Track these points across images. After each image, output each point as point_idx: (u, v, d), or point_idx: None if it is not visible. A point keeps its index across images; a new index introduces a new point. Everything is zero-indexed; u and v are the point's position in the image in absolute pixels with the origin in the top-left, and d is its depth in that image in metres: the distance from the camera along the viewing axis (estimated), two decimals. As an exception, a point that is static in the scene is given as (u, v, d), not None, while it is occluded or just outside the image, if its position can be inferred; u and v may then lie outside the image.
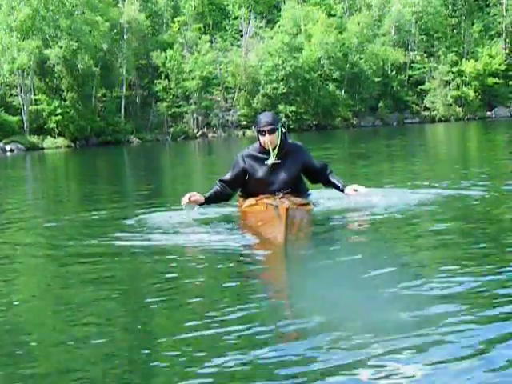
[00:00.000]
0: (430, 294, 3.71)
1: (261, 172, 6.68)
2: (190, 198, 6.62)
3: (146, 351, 3.10)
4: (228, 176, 6.82)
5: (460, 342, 2.93)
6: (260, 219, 6.02)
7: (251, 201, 6.57)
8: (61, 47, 49.53)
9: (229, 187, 6.80)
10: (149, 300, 3.93)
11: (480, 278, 3.93)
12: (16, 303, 4.12)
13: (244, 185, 6.84)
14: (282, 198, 6.27)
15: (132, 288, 4.39)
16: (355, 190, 6.77)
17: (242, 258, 5.07)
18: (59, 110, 49.46)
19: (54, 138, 48.94)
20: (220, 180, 6.88)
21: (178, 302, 3.88)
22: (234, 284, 4.20)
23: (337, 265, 4.70)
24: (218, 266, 4.73)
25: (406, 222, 6.15)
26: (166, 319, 3.63)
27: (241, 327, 3.28)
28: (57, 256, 5.60)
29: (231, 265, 4.77)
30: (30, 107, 49.65)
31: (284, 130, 6.75)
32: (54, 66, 50.18)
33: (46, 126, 49.36)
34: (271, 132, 6.56)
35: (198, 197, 6.68)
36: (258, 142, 6.76)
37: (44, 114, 49.60)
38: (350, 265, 4.63)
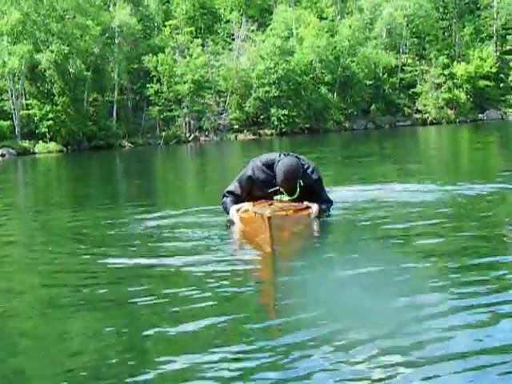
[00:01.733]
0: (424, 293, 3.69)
1: (264, 192, 6.61)
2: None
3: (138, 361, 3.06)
4: (238, 191, 6.75)
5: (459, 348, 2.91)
6: (251, 227, 6.01)
7: (249, 205, 6.52)
8: (52, 51, 49.38)
9: (240, 200, 6.74)
10: (139, 307, 3.89)
11: (486, 287, 3.89)
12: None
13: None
14: (271, 204, 6.25)
15: (122, 297, 4.34)
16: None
17: (232, 266, 5.02)
18: (50, 115, 49.29)
19: (46, 142, 48.75)
20: (230, 193, 6.79)
21: (169, 309, 3.84)
22: (223, 291, 4.17)
23: (324, 270, 4.67)
24: (209, 274, 4.69)
25: (401, 223, 6.16)
26: (158, 328, 3.59)
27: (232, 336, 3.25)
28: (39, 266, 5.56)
29: (221, 272, 4.73)
30: (22, 112, 49.46)
31: (305, 167, 6.63)
32: (45, 70, 49.97)
33: (37, 131, 49.18)
34: (288, 191, 6.49)
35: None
36: (271, 158, 6.67)
37: (35, 118, 49.43)
38: (339, 270, 4.61)
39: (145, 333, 3.39)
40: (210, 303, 3.84)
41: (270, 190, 6.53)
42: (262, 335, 3.22)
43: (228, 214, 6.71)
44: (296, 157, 6.58)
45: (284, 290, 4.22)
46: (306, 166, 6.62)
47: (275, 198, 6.51)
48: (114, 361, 3.03)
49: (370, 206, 7.24)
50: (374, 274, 4.32)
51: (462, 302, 3.52)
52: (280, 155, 6.59)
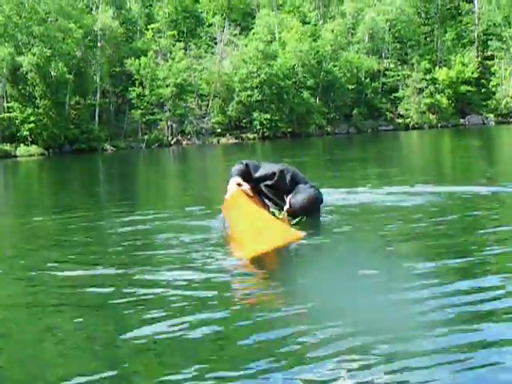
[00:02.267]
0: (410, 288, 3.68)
1: (268, 193, 6.58)
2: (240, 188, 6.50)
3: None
4: (255, 173, 6.63)
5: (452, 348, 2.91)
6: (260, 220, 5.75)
7: (249, 190, 6.46)
8: (34, 54, 49.10)
9: (247, 179, 6.61)
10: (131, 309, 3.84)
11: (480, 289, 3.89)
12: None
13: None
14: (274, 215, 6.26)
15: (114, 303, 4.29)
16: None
17: (216, 274, 4.97)
18: (32, 118, 49.00)
19: (27, 145, 48.46)
20: (246, 166, 6.65)
21: (154, 304, 3.80)
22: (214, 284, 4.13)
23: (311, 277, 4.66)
24: (193, 282, 4.64)
25: (391, 226, 6.14)
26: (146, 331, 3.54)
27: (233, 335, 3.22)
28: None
29: (205, 280, 4.69)
30: (3, 115, 49.13)
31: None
32: (26, 73, 49.67)
33: (18, 134, 48.86)
34: (291, 214, 6.40)
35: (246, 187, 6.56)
36: (302, 179, 6.60)
37: (17, 121, 49.13)
38: (331, 275, 4.60)
39: (118, 342, 3.35)
40: (192, 311, 3.80)
41: (273, 197, 6.54)
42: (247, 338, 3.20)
43: (229, 178, 6.62)
44: (321, 199, 6.61)
45: (274, 299, 4.19)
46: (321, 211, 6.68)
47: (271, 209, 6.46)
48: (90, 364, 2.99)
49: (356, 210, 7.20)
50: (365, 277, 4.32)
51: (447, 301, 3.54)
52: (314, 186, 6.60)
